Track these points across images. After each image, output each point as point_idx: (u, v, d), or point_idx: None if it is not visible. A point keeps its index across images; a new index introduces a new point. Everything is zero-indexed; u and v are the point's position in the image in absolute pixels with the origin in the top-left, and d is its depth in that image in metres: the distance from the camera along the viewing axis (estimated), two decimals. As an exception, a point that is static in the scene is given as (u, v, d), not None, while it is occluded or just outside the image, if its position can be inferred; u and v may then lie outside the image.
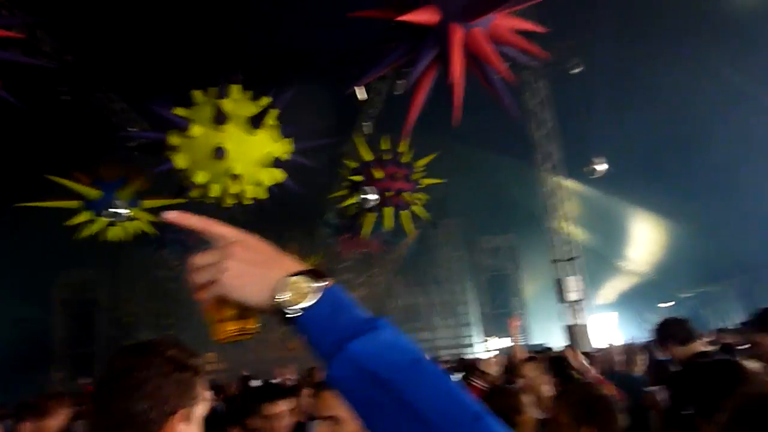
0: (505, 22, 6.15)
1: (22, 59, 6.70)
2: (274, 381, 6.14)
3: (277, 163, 7.52)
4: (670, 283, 17.12)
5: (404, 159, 10.36)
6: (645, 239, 17.38)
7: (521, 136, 11.36)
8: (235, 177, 7.22)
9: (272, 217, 18.65)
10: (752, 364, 1.90)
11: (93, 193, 8.78)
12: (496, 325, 20.85)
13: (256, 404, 2.78)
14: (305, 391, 3.73)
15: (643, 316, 18.24)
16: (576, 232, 12.00)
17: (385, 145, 10.56)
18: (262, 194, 7.92)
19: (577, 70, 10.98)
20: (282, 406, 2.72)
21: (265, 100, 7.49)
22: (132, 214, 9.09)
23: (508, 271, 21.51)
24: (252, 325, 0.84)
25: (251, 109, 7.36)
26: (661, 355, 4.84)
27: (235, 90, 7.48)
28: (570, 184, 12.14)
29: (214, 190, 7.48)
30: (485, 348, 19.70)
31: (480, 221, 22.29)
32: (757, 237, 12.37)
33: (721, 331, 8.12)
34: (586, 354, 5.44)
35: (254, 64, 10.43)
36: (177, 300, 20.45)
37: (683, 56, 10.56)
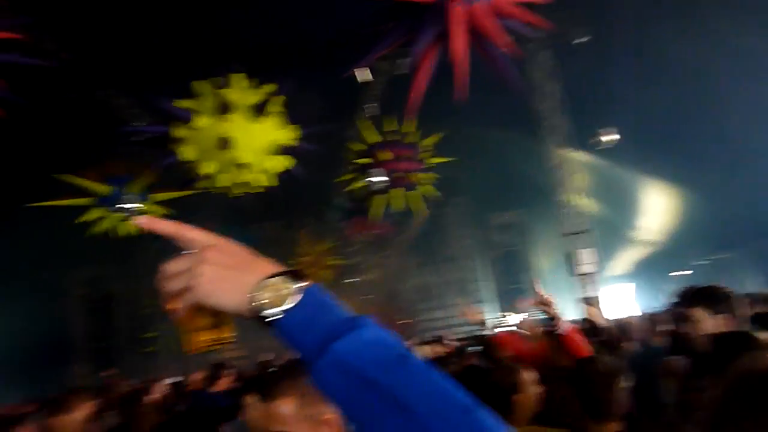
0: (506, -5, 6.06)
1: (23, 60, 6.70)
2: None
3: (283, 149, 7.52)
4: (684, 251, 17.02)
5: (410, 139, 10.31)
6: (657, 208, 17.26)
7: (528, 110, 11.25)
8: (242, 166, 7.23)
9: (281, 204, 18.72)
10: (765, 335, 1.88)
11: (103, 189, 8.84)
12: (510, 301, 20.88)
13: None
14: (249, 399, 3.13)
15: (658, 286, 18.20)
16: (586, 204, 11.92)
17: (390, 126, 10.52)
18: (270, 182, 7.94)
19: (583, 40, 10.80)
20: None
21: (268, 88, 7.47)
22: (142, 208, 9.14)
23: (519, 247, 21.47)
24: (226, 333, 0.81)
25: (255, 97, 7.35)
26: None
27: (239, 79, 7.47)
28: (579, 156, 12.04)
29: (222, 180, 7.51)
30: (504, 323, 19.73)
31: (489, 198, 22.24)
32: (770, 202, 12.26)
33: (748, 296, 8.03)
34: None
35: (253, 52, 10.39)
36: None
37: (695, 22, 10.37)
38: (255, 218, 17.95)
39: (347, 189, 13.74)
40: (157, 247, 12.56)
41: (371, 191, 10.29)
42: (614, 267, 19.23)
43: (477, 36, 6.52)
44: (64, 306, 18.11)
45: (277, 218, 20.94)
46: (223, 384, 5.15)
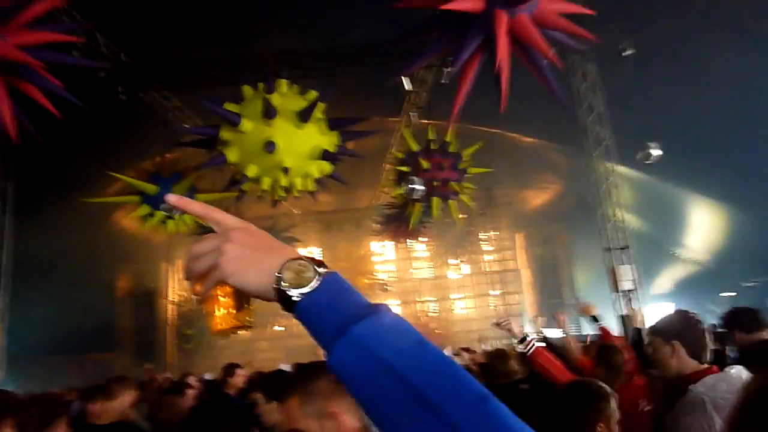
0: (551, 6, 6.05)
1: (82, 62, 7.03)
2: None
3: (325, 155, 7.64)
4: (732, 272, 16.45)
5: (451, 148, 10.33)
6: (704, 226, 16.75)
7: (571, 121, 11.13)
8: (285, 170, 7.38)
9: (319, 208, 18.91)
10: None
11: (150, 188, 9.14)
12: (547, 314, 20.57)
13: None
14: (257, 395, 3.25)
15: (704, 307, 17.61)
16: (629, 219, 11.69)
17: (431, 134, 10.56)
18: (311, 186, 8.08)
19: (629, 52, 10.65)
20: None
21: (313, 94, 7.62)
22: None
23: (559, 260, 21.18)
24: (246, 317, 0.85)
25: (299, 102, 7.50)
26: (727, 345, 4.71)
27: (283, 84, 7.64)
28: (622, 169, 11.82)
29: (265, 183, 7.68)
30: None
31: (529, 209, 22.00)
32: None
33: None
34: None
35: (300, 57, 10.61)
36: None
37: (742, 33, 10.10)
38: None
39: (387, 196, 13.82)
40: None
41: (410, 199, 10.34)
42: (657, 285, 18.73)
43: (521, 46, 6.52)
44: (111, 300, 18.75)
45: (315, 222, 21.23)
46: (237, 384, 5.28)
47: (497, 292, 22.31)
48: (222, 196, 10.29)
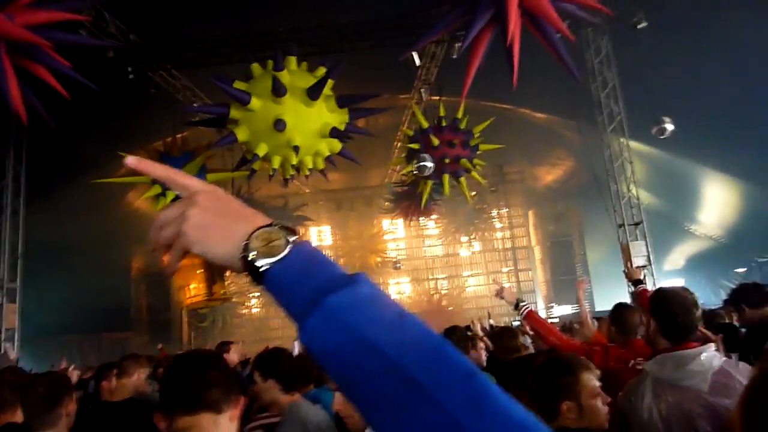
0: (563, -22, 5.93)
1: (89, 41, 7.01)
2: None
3: (335, 132, 7.60)
4: (745, 247, 16.31)
5: (462, 125, 10.24)
6: (717, 202, 16.57)
7: (583, 96, 10.96)
8: (295, 148, 7.36)
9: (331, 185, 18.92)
10: None
11: (161, 167, 9.16)
12: (560, 291, 20.58)
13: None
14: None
15: (717, 282, 17.50)
16: (642, 195, 11.57)
17: (442, 111, 10.47)
18: (321, 164, 8.06)
19: (642, 26, 10.43)
20: None
21: (322, 71, 7.55)
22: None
23: (571, 237, 21.10)
24: (220, 289, 0.78)
25: (308, 80, 7.44)
26: (732, 320, 4.72)
27: (292, 62, 7.58)
28: (635, 145, 11.67)
29: (275, 162, 7.66)
30: (549, 315, 19.50)
31: (541, 186, 21.87)
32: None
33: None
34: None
35: (309, 34, 10.51)
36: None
37: (759, 2, 9.84)
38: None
39: (398, 173, 13.78)
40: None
41: (421, 176, 10.29)
42: (670, 261, 18.63)
43: (533, 20, 6.41)
44: (125, 280, 18.98)
45: (327, 200, 21.26)
46: (233, 360, 5.35)
47: (508, 269, 22.33)
48: (232, 175, 10.32)
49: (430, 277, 22.78)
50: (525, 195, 22.41)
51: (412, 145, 10.45)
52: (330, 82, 7.46)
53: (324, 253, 0.71)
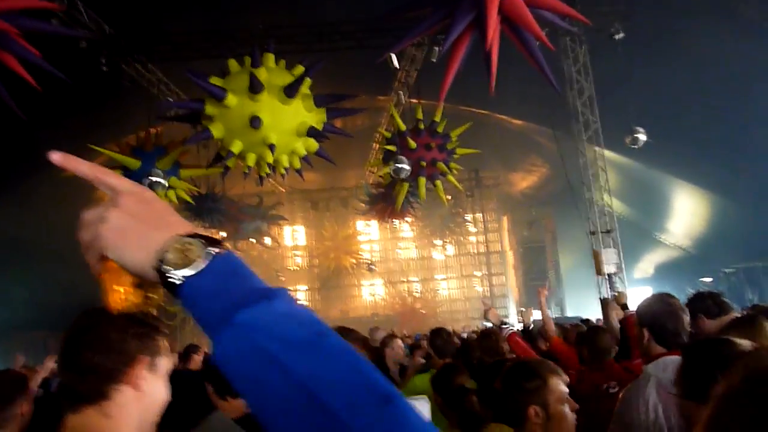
0: (543, -14, 5.96)
1: (62, 30, 6.83)
2: None
3: (312, 132, 7.53)
4: (712, 258, 16.66)
5: (439, 129, 10.25)
6: (687, 212, 16.91)
7: (560, 104, 11.08)
8: (271, 146, 7.27)
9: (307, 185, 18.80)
10: (745, 342, 1.82)
11: (133, 162, 8.98)
12: (532, 296, 20.77)
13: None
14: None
15: (684, 291, 17.84)
16: (614, 204, 11.74)
17: (420, 114, 10.47)
18: (297, 164, 7.98)
19: (620, 36, 10.60)
20: None
21: (300, 69, 7.47)
22: (170, 183, 9.27)
23: (544, 243, 21.33)
24: (155, 294, 0.72)
25: (286, 78, 7.36)
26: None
27: (270, 59, 7.49)
28: (609, 154, 11.84)
29: (250, 160, 7.56)
30: (520, 319, 19.63)
31: (516, 192, 22.07)
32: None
33: (754, 308, 7.86)
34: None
35: (287, 33, 10.42)
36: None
37: (733, 19, 10.06)
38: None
39: (374, 175, 13.74)
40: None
41: (398, 178, 10.27)
42: (639, 269, 18.94)
43: (512, 27, 6.44)
44: (92, 277, 18.55)
45: (302, 199, 21.13)
46: (195, 364, 5.25)
47: (482, 273, 22.48)
48: (206, 172, 10.16)
49: (404, 279, 22.80)
50: (500, 200, 22.61)
51: (389, 147, 10.42)
52: (308, 81, 7.39)
53: (246, 266, 0.67)
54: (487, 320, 4.51)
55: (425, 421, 0.57)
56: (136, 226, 0.68)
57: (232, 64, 7.48)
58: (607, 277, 10.93)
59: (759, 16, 9.85)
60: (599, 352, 3.58)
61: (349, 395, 0.57)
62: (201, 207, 12.58)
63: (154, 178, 8.86)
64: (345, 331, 1.74)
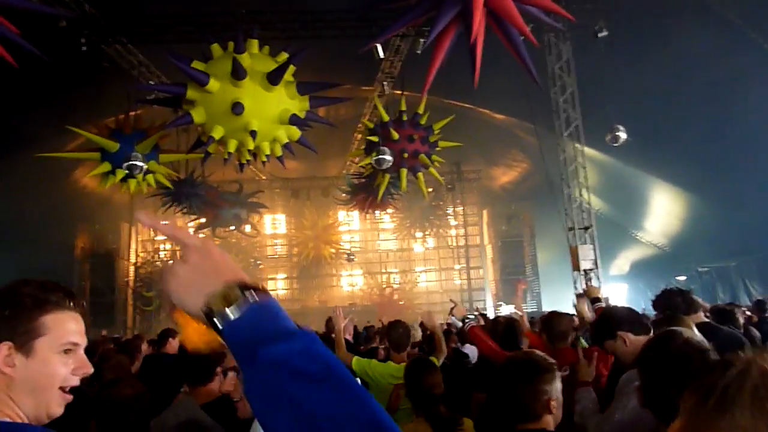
0: (529, -19, 5.98)
1: (41, 8, 6.68)
2: None
3: (294, 120, 7.49)
4: (687, 256, 16.96)
5: (422, 121, 10.27)
6: (663, 211, 17.17)
7: (543, 100, 11.15)
8: (252, 133, 7.21)
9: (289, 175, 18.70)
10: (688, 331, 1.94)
11: (111, 145, 8.86)
12: (508, 290, 20.98)
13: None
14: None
15: (658, 289, 18.09)
16: (593, 200, 11.89)
17: (403, 105, 10.47)
18: (278, 151, 7.93)
19: (603, 34, 10.69)
20: None
21: (284, 56, 7.41)
22: (149, 167, 9.17)
23: (522, 238, 21.52)
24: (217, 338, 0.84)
25: (270, 64, 7.30)
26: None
27: (254, 45, 7.42)
28: (589, 151, 11.96)
29: (231, 146, 7.50)
30: (497, 313, 19.82)
31: (496, 186, 22.20)
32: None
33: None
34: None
35: (272, 19, 10.32)
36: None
37: (714, 21, 10.19)
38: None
39: (356, 165, 13.72)
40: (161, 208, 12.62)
41: (379, 169, 10.27)
42: (615, 265, 19.22)
43: (498, 21, 6.45)
44: (69, 261, 18.30)
45: (284, 190, 21.02)
46: (172, 348, 5.27)
47: (460, 266, 22.61)
48: (186, 157, 10.07)
49: (383, 270, 22.85)
50: (480, 194, 22.73)
51: (372, 138, 10.41)
52: (291, 68, 7.33)
53: (279, 309, 0.79)
54: (453, 316, 4.74)
55: None
56: (196, 278, 0.81)
57: (215, 48, 7.39)
58: (583, 272, 11.09)
59: (739, 20, 9.99)
60: (556, 337, 3.66)
61: (351, 425, 0.66)
62: (179, 192, 12.44)
63: (132, 162, 8.76)
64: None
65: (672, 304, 3.35)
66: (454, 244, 22.95)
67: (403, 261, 23.21)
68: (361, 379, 3.59)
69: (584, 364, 3.02)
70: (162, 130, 9.30)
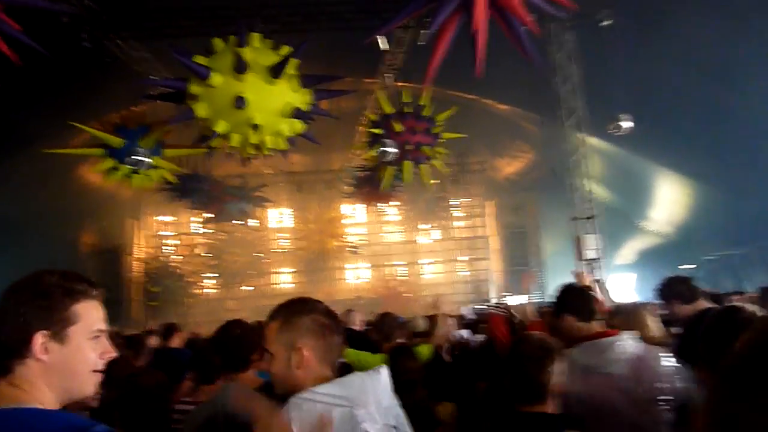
0: (531, -30, 5.94)
1: (42, 3, 6.69)
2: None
3: (297, 113, 7.48)
4: (693, 245, 16.89)
5: (425, 112, 10.24)
6: (669, 200, 17.09)
7: (546, 90, 11.10)
8: (255, 127, 7.21)
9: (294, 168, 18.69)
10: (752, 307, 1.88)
11: (115, 140, 8.87)
12: (514, 281, 20.97)
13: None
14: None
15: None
16: (597, 190, 11.84)
17: (406, 97, 10.44)
18: (282, 145, 7.93)
19: (608, 23, 10.62)
20: None
21: (286, 49, 7.40)
22: (154, 162, 9.18)
23: (527, 229, 21.47)
24: None
25: (272, 58, 7.29)
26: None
27: (256, 38, 7.40)
28: (593, 141, 11.91)
29: (235, 140, 7.50)
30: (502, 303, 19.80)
31: (501, 177, 22.14)
32: (786, 201, 12.06)
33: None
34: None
35: (273, 12, 10.29)
36: (206, 246, 20.84)
37: (722, 10, 10.10)
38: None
39: (360, 158, 13.70)
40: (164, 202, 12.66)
41: (383, 161, 10.26)
42: (620, 255, 19.17)
43: (500, 10, 6.42)
44: (74, 257, 18.37)
45: (288, 183, 21.03)
46: (176, 342, 5.31)
47: (466, 258, 22.60)
48: (190, 152, 10.08)
49: (388, 263, 22.85)
50: (485, 185, 22.66)
51: (375, 130, 10.39)
52: (294, 62, 7.32)
53: None
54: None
55: None
56: None
57: (217, 42, 7.38)
58: (587, 262, 11.08)
59: (746, 8, 9.90)
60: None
61: None
62: (185, 187, 12.47)
63: (137, 157, 8.77)
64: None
65: (675, 291, 3.38)
66: (459, 235, 22.92)
67: (408, 253, 23.20)
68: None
69: None
70: (166, 125, 9.30)
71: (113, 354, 1.35)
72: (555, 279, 19.37)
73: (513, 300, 19.38)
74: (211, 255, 20.45)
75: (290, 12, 10.52)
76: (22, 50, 6.26)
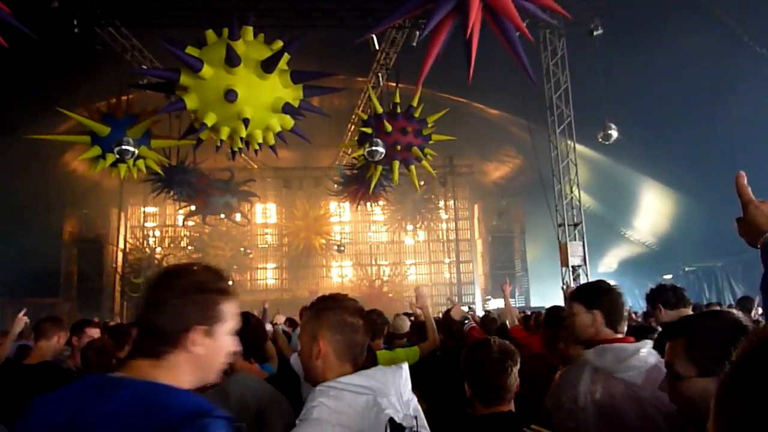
0: (526, -24, 5.98)
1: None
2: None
3: (287, 108, 7.45)
4: (674, 255, 17.11)
5: (416, 113, 10.25)
6: (652, 210, 17.30)
7: (536, 96, 11.17)
8: (245, 121, 7.18)
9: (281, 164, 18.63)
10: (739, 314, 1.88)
11: (102, 128, 8.78)
12: (497, 285, 21.08)
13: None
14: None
15: (645, 287, 18.27)
16: (583, 197, 11.94)
17: (398, 98, 10.45)
18: (271, 140, 7.90)
19: (598, 32, 10.73)
20: None
21: (278, 44, 7.37)
22: (140, 152, 9.10)
23: (513, 233, 21.61)
24: None
25: (264, 52, 7.25)
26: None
27: (248, 32, 7.36)
28: (581, 148, 12.01)
29: (224, 133, 7.45)
30: (486, 307, 19.93)
31: (488, 181, 22.26)
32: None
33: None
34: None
35: (267, 6, 10.25)
36: (190, 239, 20.70)
37: (710, 24, 10.25)
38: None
39: (349, 156, 13.70)
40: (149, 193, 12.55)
41: (372, 160, 10.25)
42: (604, 263, 19.36)
43: (494, 16, 6.45)
44: (56, 245, 18.17)
45: (275, 178, 20.95)
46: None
47: (450, 260, 22.68)
48: (178, 143, 10.01)
49: (373, 262, 22.87)
50: (472, 188, 22.78)
51: (365, 129, 10.38)
52: (286, 57, 7.29)
53: None
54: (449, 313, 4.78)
55: None
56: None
57: (210, 35, 7.33)
58: (571, 268, 11.17)
59: (733, 22, 10.05)
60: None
61: None
62: (170, 178, 12.37)
63: (123, 147, 8.69)
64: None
65: (662, 297, 3.48)
66: (445, 237, 23.01)
67: (393, 253, 23.24)
68: None
69: None
70: (154, 116, 9.23)
71: (239, 348, 1.43)
72: (538, 283, 19.54)
73: (495, 303, 19.53)
74: (194, 248, 20.33)
75: (284, 7, 10.50)
76: (10, 34, 6.18)
